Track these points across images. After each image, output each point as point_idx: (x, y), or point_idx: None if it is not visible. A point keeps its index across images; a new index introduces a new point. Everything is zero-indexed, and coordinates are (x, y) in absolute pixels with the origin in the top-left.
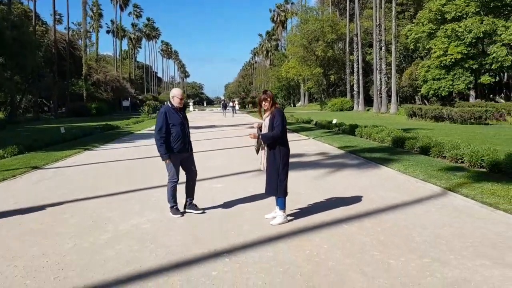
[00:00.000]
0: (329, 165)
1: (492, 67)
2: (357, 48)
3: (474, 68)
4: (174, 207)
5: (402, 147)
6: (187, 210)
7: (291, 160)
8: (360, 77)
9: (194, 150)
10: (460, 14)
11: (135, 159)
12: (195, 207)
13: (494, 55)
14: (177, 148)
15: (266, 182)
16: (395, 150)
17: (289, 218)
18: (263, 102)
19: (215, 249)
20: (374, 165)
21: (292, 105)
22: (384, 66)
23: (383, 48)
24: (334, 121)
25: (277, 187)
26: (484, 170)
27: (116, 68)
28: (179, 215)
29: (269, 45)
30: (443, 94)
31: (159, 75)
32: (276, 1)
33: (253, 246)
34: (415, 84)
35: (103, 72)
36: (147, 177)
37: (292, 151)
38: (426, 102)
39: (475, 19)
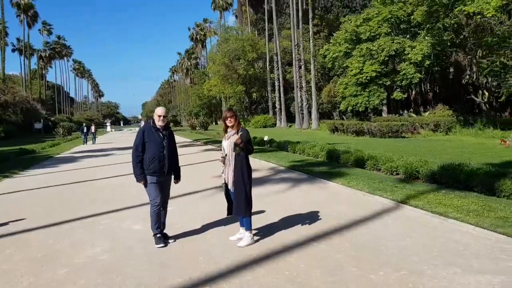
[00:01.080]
0: (277, 181)
1: (402, 84)
2: (277, 66)
3: (387, 84)
4: (157, 235)
5: (338, 161)
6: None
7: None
8: (282, 95)
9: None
10: (373, 35)
11: (65, 184)
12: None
13: (404, 72)
14: (150, 170)
15: (234, 202)
16: (332, 164)
17: (255, 238)
18: (229, 119)
19: (190, 278)
20: (319, 180)
21: (214, 123)
22: (304, 84)
23: (302, 66)
24: (266, 138)
25: (245, 207)
26: (421, 180)
27: (25, 88)
28: (162, 245)
29: (189, 63)
30: (360, 110)
31: (72, 95)
32: (195, 19)
33: (229, 271)
34: (334, 100)
35: (11, 93)
36: (87, 203)
37: None
38: (344, 117)
39: (387, 39)
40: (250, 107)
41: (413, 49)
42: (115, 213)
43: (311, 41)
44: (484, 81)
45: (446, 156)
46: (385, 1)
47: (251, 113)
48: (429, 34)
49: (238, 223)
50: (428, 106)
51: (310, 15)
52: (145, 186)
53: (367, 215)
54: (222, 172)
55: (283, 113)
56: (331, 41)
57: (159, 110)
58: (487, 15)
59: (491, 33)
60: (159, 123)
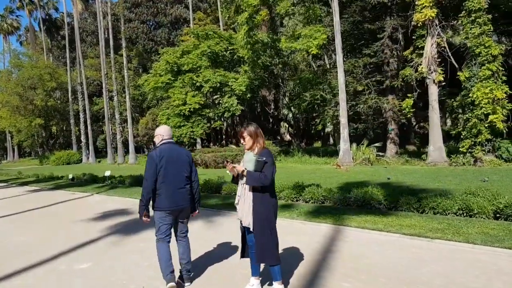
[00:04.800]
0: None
1: (225, 115)
2: (83, 97)
3: (209, 116)
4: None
5: (219, 192)
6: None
7: (119, 220)
8: (89, 128)
9: None
10: (195, 67)
11: None
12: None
13: (226, 104)
14: None
15: (257, 246)
16: (213, 195)
17: None
18: (242, 140)
19: None
20: (226, 212)
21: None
22: (117, 116)
23: (115, 98)
24: (107, 173)
25: (274, 251)
26: (331, 204)
27: None
28: None
29: None
30: (185, 141)
31: None
32: None
33: None
34: (152, 133)
35: None
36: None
37: (102, 210)
38: None
39: (210, 71)
40: (48, 142)
41: (237, 81)
42: None
43: (125, 71)
44: (287, 114)
45: (318, 180)
46: (198, 36)
47: (49, 149)
48: (249, 70)
49: (251, 268)
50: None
51: (124, 44)
52: None
53: (326, 242)
54: (237, 203)
55: (90, 147)
56: (150, 71)
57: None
58: (311, 53)
59: (307, 70)
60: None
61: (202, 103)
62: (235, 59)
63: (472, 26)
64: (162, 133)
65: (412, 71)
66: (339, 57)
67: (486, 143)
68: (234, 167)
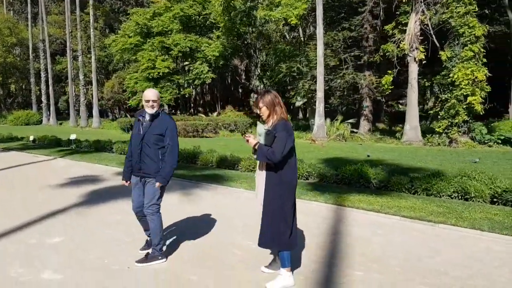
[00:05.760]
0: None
1: (195, 83)
2: (45, 55)
3: (179, 82)
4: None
5: (195, 162)
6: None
7: (91, 188)
8: (50, 88)
9: None
10: (166, 30)
11: None
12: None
13: (197, 71)
14: (133, 168)
15: (262, 227)
16: (192, 166)
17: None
18: (257, 110)
19: None
20: (215, 185)
21: None
22: (82, 77)
23: (79, 57)
24: (73, 137)
25: (278, 235)
26: (315, 181)
27: None
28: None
29: None
30: None
31: None
32: None
33: None
34: (118, 97)
35: None
36: None
37: (69, 175)
38: (128, 115)
39: (182, 35)
40: (6, 101)
41: (210, 46)
42: None
43: (91, 30)
44: (258, 85)
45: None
46: None
47: (7, 109)
48: (223, 36)
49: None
50: (216, 107)
51: (91, 1)
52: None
53: (334, 222)
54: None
55: (51, 108)
56: (119, 32)
57: (146, 94)
58: (290, 23)
59: (282, 42)
60: (147, 109)
61: (172, 67)
62: (208, 25)
63: (458, 5)
64: None
65: (394, 47)
66: (320, 28)
67: (463, 124)
68: (248, 139)
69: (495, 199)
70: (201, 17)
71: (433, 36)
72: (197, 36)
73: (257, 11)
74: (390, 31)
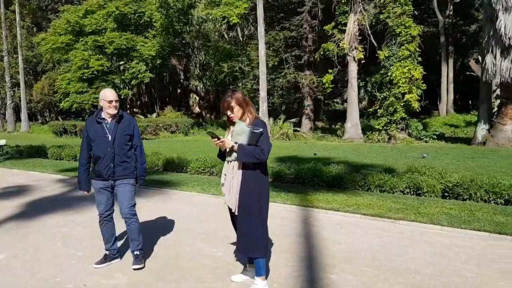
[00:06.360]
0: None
1: (132, 83)
2: None
3: (115, 82)
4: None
5: None
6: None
7: (28, 198)
8: None
9: None
10: (99, 28)
11: None
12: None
13: (134, 70)
14: (95, 173)
15: (240, 235)
16: None
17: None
18: (228, 112)
19: None
20: (166, 190)
21: None
22: (8, 79)
23: (5, 58)
24: (2, 142)
25: (257, 240)
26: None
27: None
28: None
29: None
30: (87, 108)
31: None
32: None
33: None
34: (48, 99)
35: None
36: None
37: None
38: (59, 118)
39: (117, 34)
40: None
41: (146, 45)
42: None
43: (18, 28)
44: (197, 85)
45: None
46: None
47: None
48: (159, 35)
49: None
50: (155, 108)
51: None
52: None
53: (297, 223)
54: (223, 183)
55: None
56: (48, 30)
57: (105, 94)
58: (232, 22)
59: (220, 41)
60: (107, 111)
61: (107, 66)
62: (143, 23)
63: (394, 6)
64: None
65: (334, 46)
66: (261, 28)
67: (401, 121)
68: (222, 141)
69: (446, 194)
70: (136, 15)
71: (371, 36)
72: (133, 35)
73: (195, 10)
74: (330, 31)
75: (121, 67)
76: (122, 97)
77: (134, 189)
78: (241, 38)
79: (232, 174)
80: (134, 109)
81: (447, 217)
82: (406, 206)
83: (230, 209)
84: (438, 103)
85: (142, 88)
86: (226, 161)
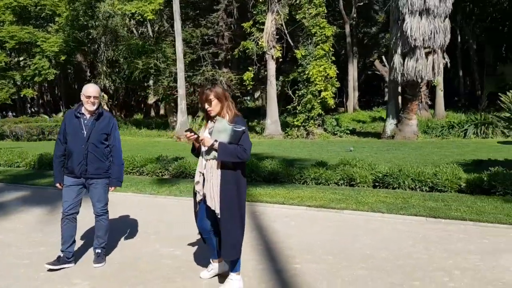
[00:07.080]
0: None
1: (35, 80)
2: None
3: (16, 79)
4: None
5: None
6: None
7: None
8: None
9: None
10: None
11: None
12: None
13: (37, 66)
14: (68, 169)
15: (224, 237)
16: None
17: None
18: (206, 105)
19: None
20: None
21: None
22: None
23: None
24: None
25: (237, 243)
26: None
27: None
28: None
29: None
30: None
31: None
32: None
33: None
34: None
35: None
36: None
37: None
38: None
39: (17, 27)
40: None
41: (47, 41)
42: None
43: None
44: (105, 83)
45: (170, 153)
46: None
47: None
48: (62, 29)
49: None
50: (60, 107)
51: None
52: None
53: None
54: (198, 181)
55: None
56: None
57: (86, 89)
58: (146, 18)
59: (129, 37)
60: (86, 105)
61: (6, 62)
62: (45, 16)
63: (309, 7)
64: None
65: (253, 45)
66: (177, 24)
67: (318, 117)
68: (198, 138)
69: (377, 183)
70: (38, 8)
71: (287, 35)
72: (35, 29)
73: (102, 4)
74: (249, 29)
75: (21, 63)
76: (22, 96)
77: (107, 189)
78: (151, 34)
79: (211, 173)
80: (34, 108)
81: (385, 205)
82: (345, 196)
83: (197, 203)
84: (345, 100)
85: (44, 85)
86: (203, 159)
